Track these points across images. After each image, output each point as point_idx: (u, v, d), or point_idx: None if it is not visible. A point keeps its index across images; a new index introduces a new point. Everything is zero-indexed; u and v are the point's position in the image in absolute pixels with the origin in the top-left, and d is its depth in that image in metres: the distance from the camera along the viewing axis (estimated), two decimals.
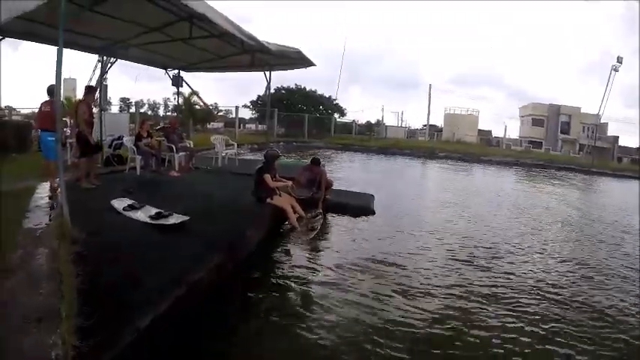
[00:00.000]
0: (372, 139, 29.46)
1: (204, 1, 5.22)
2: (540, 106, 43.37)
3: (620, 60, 32.64)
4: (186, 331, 2.69)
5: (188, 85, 10.93)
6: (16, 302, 2.23)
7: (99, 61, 7.97)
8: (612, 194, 14.80)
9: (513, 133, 44.32)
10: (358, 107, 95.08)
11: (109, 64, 8.06)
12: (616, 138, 39.24)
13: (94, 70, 9.11)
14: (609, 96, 35.89)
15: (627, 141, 40.17)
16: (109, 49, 7.83)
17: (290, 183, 6.23)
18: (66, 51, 4.31)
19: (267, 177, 5.77)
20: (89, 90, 6.59)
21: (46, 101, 5.81)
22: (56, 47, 3.71)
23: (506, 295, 3.92)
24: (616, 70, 32.40)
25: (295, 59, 9.24)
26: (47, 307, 2.18)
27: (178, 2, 4.99)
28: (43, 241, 3.13)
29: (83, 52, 7.79)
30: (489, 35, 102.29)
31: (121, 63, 8.26)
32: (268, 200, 5.77)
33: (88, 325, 2.15)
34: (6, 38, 6.26)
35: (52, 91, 5.92)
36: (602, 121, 36.87)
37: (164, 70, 10.34)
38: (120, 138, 8.09)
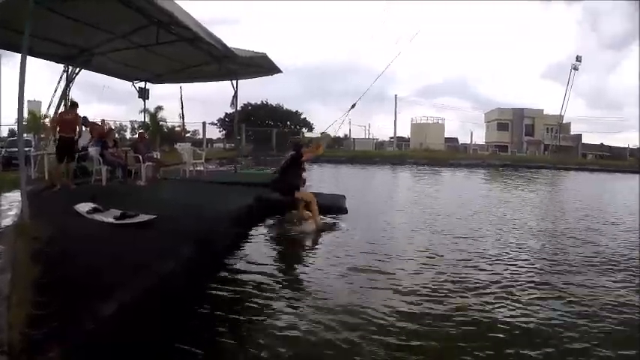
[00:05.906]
0: (341, 151, 29.70)
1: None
2: (505, 110, 44.95)
3: (579, 59, 34.64)
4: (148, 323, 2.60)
5: (180, 101, 11.05)
6: None
7: (64, 71, 7.86)
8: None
9: (479, 139, 45.70)
10: (324, 121, 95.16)
11: (74, 75, 7.93)
12: (579, 136, 41.08)
13: (58, 82, 9.07)
14: (571, 97, 37.97)
15: (590, 138, 41.53)
16: (74, 59, 7.71)
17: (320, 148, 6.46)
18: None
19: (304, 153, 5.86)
20: (74, 105, 7.27)
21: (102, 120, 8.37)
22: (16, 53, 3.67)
23: None
24: (575, 69, 34.27)
25: (262, 66, 9.40)
26: None
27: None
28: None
29: (46, 61, 7.67)
30: (452, 45, 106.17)
31: (80, 84, 8.34)
32: (296, 193, 5.73)
33: (42, 315, 2.03)
34: None
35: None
36: (564, 121, 38.99)
37: (130, 83, 10.25)
38: (85, 149, 7.86)
